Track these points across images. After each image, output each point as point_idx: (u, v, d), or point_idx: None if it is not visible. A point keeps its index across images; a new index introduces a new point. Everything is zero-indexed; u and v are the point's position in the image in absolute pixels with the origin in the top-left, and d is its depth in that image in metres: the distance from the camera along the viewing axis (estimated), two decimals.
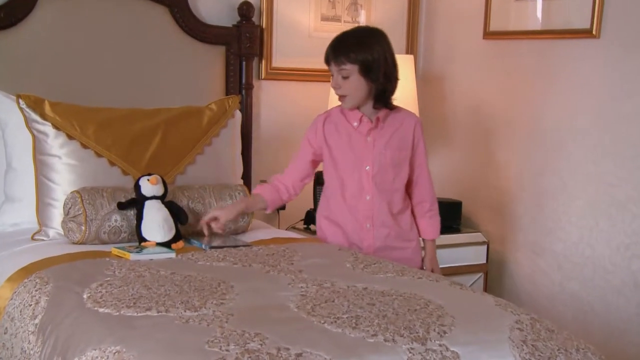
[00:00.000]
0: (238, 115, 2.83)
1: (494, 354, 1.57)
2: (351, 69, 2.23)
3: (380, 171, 2.32)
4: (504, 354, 1.57)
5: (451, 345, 1.55)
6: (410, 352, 1.50)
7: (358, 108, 2.32)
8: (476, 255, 3.09)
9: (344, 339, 1.53)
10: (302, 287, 1.84)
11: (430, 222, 2.46)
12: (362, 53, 2.23)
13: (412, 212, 2.45)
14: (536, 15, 2.97)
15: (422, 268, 2.46)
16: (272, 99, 3.17)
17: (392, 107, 2.34)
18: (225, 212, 2.31)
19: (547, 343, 1.63)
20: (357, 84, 2.25)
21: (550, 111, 2.93)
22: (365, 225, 2.35)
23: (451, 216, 3.09)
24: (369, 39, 2.27)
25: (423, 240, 2.49)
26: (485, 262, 3.12)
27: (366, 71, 2.24)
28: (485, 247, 3.12)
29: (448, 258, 2.93)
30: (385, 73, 2.26)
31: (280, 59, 3.13)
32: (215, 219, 2.30)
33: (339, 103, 2.35)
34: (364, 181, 2.32)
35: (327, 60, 2.27)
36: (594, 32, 2.71)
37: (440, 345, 1.54)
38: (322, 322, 1.60)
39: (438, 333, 1.58)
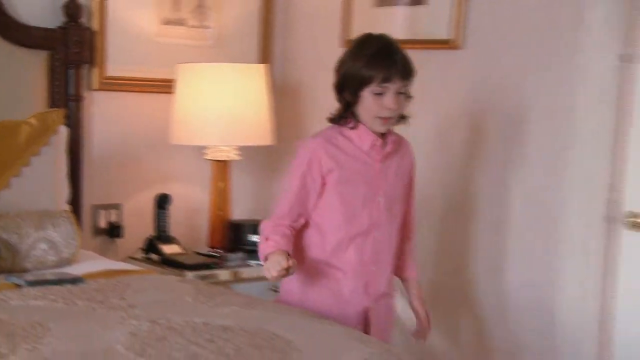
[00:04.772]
0: (63, 131, 2.77)
1: None
2: (409, 85, 2.20)
3: (391, 204, 2.25)
4: None
5: None
6: None
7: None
8: None
9: None
10: (133, 324, 1.83)
11: (414, 260, 2.41)
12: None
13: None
14: (399, 24, 3.10)
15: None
16: (108, 113, 3.13)
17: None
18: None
19: None
20: (404, 102, 2.20)
21: (420, 125, 3.06)
22: (371, 268, 2.25)
23: None
24: None
25: (407, 281, 2.41)
26: None
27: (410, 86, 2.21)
28: None
29: None
30: None
31: (116, 67, 3.10)
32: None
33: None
34: (374, 216, 2.23)
35: (389, 78, 2.13)
36: (456, 43, 2.90)
37: None
38: None
39: None
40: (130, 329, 1.80)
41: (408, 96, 2.20)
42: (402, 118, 2.24)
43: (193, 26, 3.28)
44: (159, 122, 3.17)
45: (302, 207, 2.21)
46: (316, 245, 2.25)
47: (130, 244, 3.10)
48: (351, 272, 2.23)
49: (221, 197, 3.14)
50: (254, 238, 3.14)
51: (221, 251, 3.09)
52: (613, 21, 2.56)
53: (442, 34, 2.94)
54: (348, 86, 2.18)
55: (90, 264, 2.51)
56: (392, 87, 2.14)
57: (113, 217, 3.13)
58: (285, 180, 2.26)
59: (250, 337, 1.77)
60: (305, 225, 2.24)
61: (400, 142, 2.30)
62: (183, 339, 1.73)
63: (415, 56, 2.96)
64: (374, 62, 2.14)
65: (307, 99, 3.47)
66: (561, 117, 2.69)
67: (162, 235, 3.03)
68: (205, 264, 2.93)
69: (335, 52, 3.30)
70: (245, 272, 2.97)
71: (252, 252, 3.09)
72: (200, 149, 3.17)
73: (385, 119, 2.18)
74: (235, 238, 3.16)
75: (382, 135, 2.23)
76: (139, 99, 3.19)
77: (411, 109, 2.28)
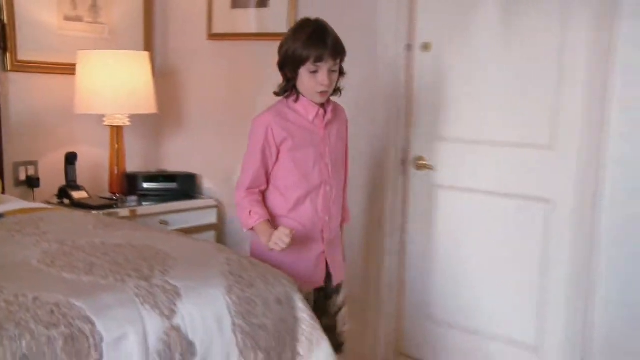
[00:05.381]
0: None
1: (207, 284, 1.68)
2: (340, 63, 2.01)
3: (335, 163, 2.10)
4: (215, 284, 1.69)
5: (172, 280, 1.63)
6: (137, 289, 1.56)
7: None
8: (209, 216, 3.22)
9: (79, 283, 1.56)
10: (45, 246, 1.81)
11: (347, 208, 2.24)
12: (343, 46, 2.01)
13: None
14: (250, 22, 3.14)
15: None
16: (22, 89, 2.98)
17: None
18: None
19: (250, 273, 1.78)
20: (336, 78, 2.02)
21: (262, 102, 3.12)
22: (325, 218, 2.10)
23: (189, 186, 3.22)
24: None
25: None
26: (215, 222, 3.25)
27: (341, 64, 2.03)
28: (215, 210, 3.25)
29: (187, 219, 3.04)
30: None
31: (26, 52, 2.95)
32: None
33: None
34: (324, 175, 2.07)
35: (321, 57, 1.94)
36: None
37: (163, 281, 1.62)
38: (60, 271, 1.61)
39: (161, 272, 1.66)
40: (43, 249, 1.79)
41: (342, 73, 2.04)
42: (336, 90, 2.07)
43: (89, 22, 3.17)
44: (65, 96, 3.07)
45: (266, 173, 2.05)
46: (279, 204, 2.07)
47: (45, 192, 3.02)
48: (309, 223, 2.07)
49: (117, 154, 3.10)
50: (145, 185, 3.16)
51: (119, 195, 3.06)
52: (401, 19, 2.69)
53: (281, 28, 2.96)
54: (288, 65, 2.00)
55: (11, 204, 2.43)
56: (325, 65, 1.95)
57: (31, 172, 3.02)
58: (247, 152, 2.06)
59: (137, 251, 1.80)
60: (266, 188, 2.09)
61: (336, 109, 2.13)
62: (84, 254, 1.75)
63: (262, 46, 3.06)
64: (308, 43, 1.94)
65: (181, 78, 3.45)
66: (370, 93, 2.81)
67: (71, 184, 2.97)
68: (108, 204, 2.90)
69: (202, 43, 3.33)
70: (139, 210, 2.96)
71: (143, 195, 3.11)
72: (99, 117, 3.11)
73: (321, 93, 2.00)
74: (129, 185, 3.14)
75: (322, 105, 2.06)
76: (48, 78, 3.06)
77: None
